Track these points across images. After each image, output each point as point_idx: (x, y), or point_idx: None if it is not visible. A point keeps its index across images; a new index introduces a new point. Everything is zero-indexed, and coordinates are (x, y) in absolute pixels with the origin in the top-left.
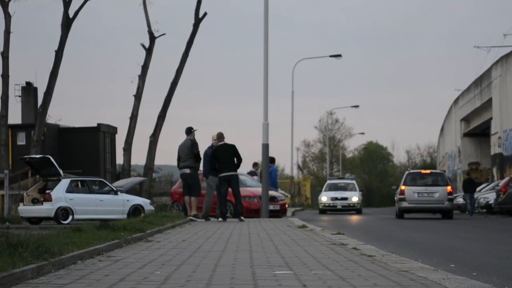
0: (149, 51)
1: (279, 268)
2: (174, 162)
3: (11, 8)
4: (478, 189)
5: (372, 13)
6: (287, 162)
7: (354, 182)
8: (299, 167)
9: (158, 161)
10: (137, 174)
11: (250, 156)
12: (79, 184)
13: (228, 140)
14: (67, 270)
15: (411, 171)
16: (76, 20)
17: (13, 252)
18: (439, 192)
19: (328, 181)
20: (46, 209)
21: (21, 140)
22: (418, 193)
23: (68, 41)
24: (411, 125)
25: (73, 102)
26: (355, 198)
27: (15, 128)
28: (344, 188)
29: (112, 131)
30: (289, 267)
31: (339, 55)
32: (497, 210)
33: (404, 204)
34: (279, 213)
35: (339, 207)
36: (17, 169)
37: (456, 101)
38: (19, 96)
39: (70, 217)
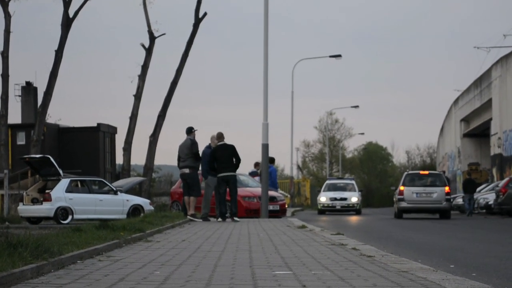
0: (149, 51)
1: (279, 269)
2: (173, 162)
3: (11, 8)
4: (477, 189)
5: (372, 13)
6: (286, 162)
7: (353, 182)
8: (298, 167)
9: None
10: (136, 174)
11: (250, 156)
12: (78, 184)
13: (227, 140)
14: (66, 270)
15: (410, 172)
16: (76, 20)
17: (13, 252)
18: (437, 193)
19: (327, 181)
20: (45, 209)
21: (21, 139)
22: (416, 193)
23: (68, 41)
24: (411, 126)
25: (73, 102)
26: (354, 198)
27: (15, 127)
28: (343, 188)
29: (112, 131)
30: (288, 267)
31: (339, 56)
32: (497, 211)
33: (403, 204)
34: (278, 213)
35: (338, 207)
36: (16, 169)
37: (456, 101)
38: (19, 95)
39: (70, 217)
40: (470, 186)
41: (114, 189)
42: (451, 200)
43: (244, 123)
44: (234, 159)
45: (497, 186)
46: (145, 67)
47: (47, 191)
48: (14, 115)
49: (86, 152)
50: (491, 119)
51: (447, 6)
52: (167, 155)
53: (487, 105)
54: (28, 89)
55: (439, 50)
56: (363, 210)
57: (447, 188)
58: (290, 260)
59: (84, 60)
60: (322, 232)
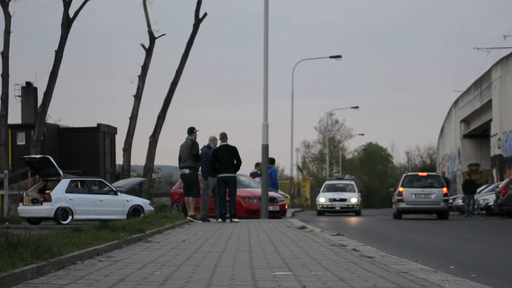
0: (149, 51)
1: (279, 269)
2: (173, 162)
3: (11, 8)
4: (477, 190)
5: (371, 14)
6: (286, 163)
7: (353, 183)
8: (298, 168)
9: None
10: (136, 174)
11: (250, 157)
12: (78, 184)
13: (227, 140)
14: (66, 270)
15: (409, 173)
16: (76, 20)
17: (13, 252)
18: (435, 194)
19: (327, 182)
20: (45, 209)
21: (21, 140)
22: (415, 194)
23: (68, 41)
24: (411, 126)
25: (73, 102)
26: (354, 199)
27: (15, 128)
28: (342, 189)
29: (112, 131)
30: (288, 268)
31: (339, 56)
32: (497, 212)
33: (402, 205)
34: (278, 214)
35: (337, 208)
36: (16, 169)
37: (456, 102)
38: (19, 96)
39: (70, 217)
40: (470, 187)
41: (114, 189)
42: (450, 201)
43: (244, 124)
44: (235, 161)
45: (497, 187)
46: (145, 67)
47: (47, 191)
48: (14, 115)
49: (86, 153)
50: (491, 120)
51: (447, 7)
52: (167, 156)
53: (487, 106)
54: (28, 90)
55: (439, 50)
56: (363, 211)
57: (445, 189)
58: (290, 261)
59: (84, 60)
60: (322, 233)
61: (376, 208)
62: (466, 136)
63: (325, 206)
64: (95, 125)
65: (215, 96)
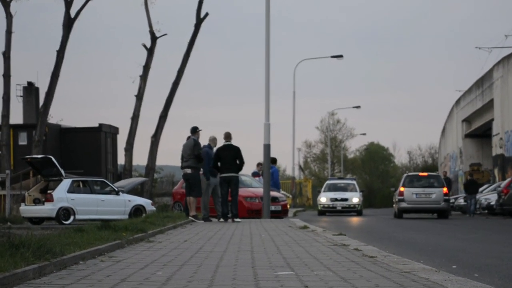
0: (150, 51)
1: (281, 269)
2: (175, 162)
3: (12, 8)
4: (479, 190)
5: (373, 13)
6: (288, 163)
7: (354, 182)
8: (300, 167)
9: (160, 161)
10: (138, 174)
11: (251, 156)
12: (80, 184)
13: (231, 140)
14: (68, 270)
15: (409, 173)
16: (77, 20)
17: (15, 252)
18: (435, 193)
19: (328, 182)
20: (47, 209)
21: (23, 140)
22: (416, 194)
23: (70, 41)
24: (413, 126)
25: (74, 102)
26: (355, 199)
27: (17, 128)
28: (344, 188)
29: (113, 131)
30: (290, 268)
31: (341, 56)
32: (499, 211)
33: (403, 205)
34: (280, 214)
35: (338, 208)
36: (18, 169)
37: (457, 102)
38: (21, 96)
39: (72, 217)
40: (471, 187)
41: (116, 189)
42: (452, 200)
43: (246, 124)
44: (237, 161)
45: (499, 186)
46: (146, 67)
47: (49, 191)
48: (16, 116)
49: (88, 153)
50: (492, 119)
51: (448, 6)
52: (169, 156)
53: (489, 105)
54: (30, 90)
55: (441, 50)
56: (364, 211)
57: (445, 189)
58: (292, 261)
59: (85, 60)
60: (324, 232)
61: (378, 207)
62: (467, 135)
63: (326, 206)
64: (97, 125)
65: (216, 96)
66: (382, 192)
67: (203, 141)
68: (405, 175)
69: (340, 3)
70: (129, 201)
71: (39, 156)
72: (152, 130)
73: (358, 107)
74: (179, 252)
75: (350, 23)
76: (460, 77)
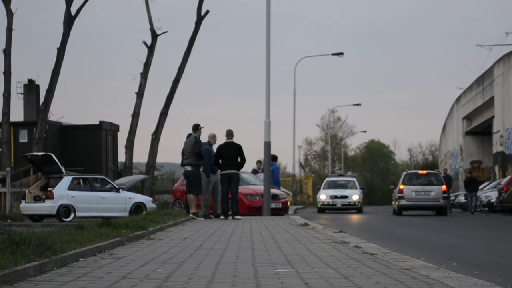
0: (151, 48)
1: (281, 266)
2: (176, 160)
3: (13, 6)
4: (480, 187)
5: (374, 11)
6: (289, 160)
7: (354, 179)
8: (301, 165)
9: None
10: (139, 171)
11: (252, 154)
12: (81, 182)
13: (233, 138)
14: (69, 267)
15: (409, 171)
16: (78, 17)
17: (15, 250)
18: (435, 191)
19: (327, 179)
20: (48, 206)
21: (23, 137)
22: (415, 191)
23: (70, 38)
24: (413, 124)
25: (75, 100)
26: (355, 196)
27: (17, 125)
28: (344, 186)
29: (114, 128)
30: (291, 265)
31: (341, 53)
32: (499, 209)
33: (403, 202)
34: (281, 211)
35: (338, 205)
36: (19, 167)
37: (458, 99)
38: (21, 93)
39: (72, 215)
40: (472, 184)
41: (116, 187)
42: (452, 198)
43: (246, 121)
44: (239, 158)
45: (499, 184)
46: (147, 65)
47: (49, 188)
48: (16, 113)
49: (88, 150)
50: (493, 117)
51: (449, 4)
52: (169, 153)
53: (489, 103)
54: (30, 87)
55: (441, 48)
56: (365, 208)
57: (444, 187)
58: (293, 258)
59: (86, 58)
60: (325, 230)
61: (378, 205)
62: (468, 133)
63: (326, 203)
64: (97, 122)
65: (217, 94)
66: (383, 189)
67: (203, 138)
68: (404, 173)
69: (341, 1)
70: (130, 198)
71: (40, 153)
72: (152, 128)
73: (358, 104)
74: (180, 249)
75: (352, 20)
76: (460, 75)
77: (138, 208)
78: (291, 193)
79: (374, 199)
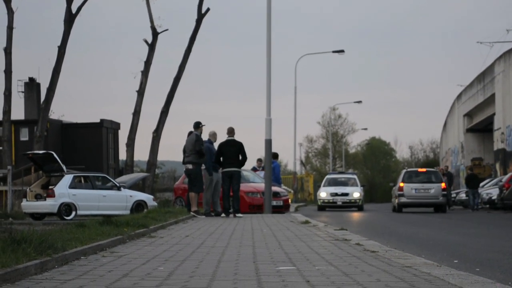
0: (152, 47)
1: (283, 264)
2: (177, 157)
3: (13, 4)
4: (481, 184)
5: (375, 8)
6: (290, 158)
7: (355, 177)
8: (302, 162)
9: (161, 156)
10: (140, 169)
11: (253, 151)
12: (82, 180)
13: (234, 135)
14: (70, 265)
15: (408, 169)
16: (78, 16)
17: (17, 248)
18: (434, 189)
19: (328, 176)
20: (49, 204)
21: (24, 136)
22: (415, 189)
23: (71, 37)
24: (414, 121)
25: (76, 98)
26: (356, 194)
27: (18, 124)
28: (344, 183)
29: (115, 127)
30: (292, 262)
31: (342, 51)
32: (500, 206)
33: (403, 199)
34: (282, 209)
35: (339, 203)
36: (20, 165)
37: (459, 96)
38: (22, 92)
39: (73, 213)
40: (473, 181)
41: (118, 185)
42: (453, 195)
43: (247, 119)
44: (240, 156)
45: (500, 181)
46: (148, 63)
47: (50, 187)
48: (17, 111)
49: (89, 148)
50: (494, 114)
51: (451, 1)
52: (170, 151)
53: (490, 100)
54: (31, 85)
55: (442, 45)
56: (366, 206)
57: (443, 184)
58: (294, 256)
59: (87, 56)
60: (326, 227)
61: (379, 202)
62: (469, 130)
63: (326, 201)
64: (98, 120)
65: (218, 91)
66: (384, 187)
67: (204, 136)
68: (404, 171)
69: None
70: (131, 196)
71: (41, 151)
72: (153, 126)
73: (359, 102)
74: (181, 247)
75: (353, 18)
76: (461, 72)
77: (139, 206)
78: (292, 191)
79: (375, 197)
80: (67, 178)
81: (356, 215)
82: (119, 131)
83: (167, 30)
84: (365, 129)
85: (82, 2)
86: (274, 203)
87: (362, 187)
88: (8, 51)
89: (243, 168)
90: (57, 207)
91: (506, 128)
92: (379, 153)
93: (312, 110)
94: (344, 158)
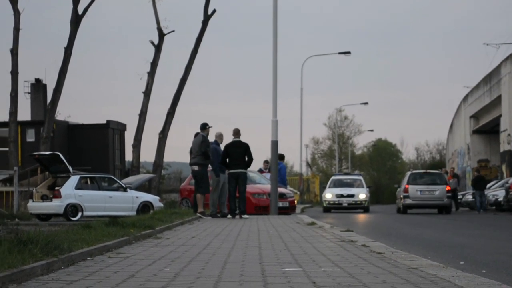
0: (158, 48)
1: (289, 265)
2: (183, 159)
3: (20, 5)
4: (487, 186)
5: (381, 9)
6: (296, 159)
7: (361, 178)
8: (308, 164)
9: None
10: (146, 171)
11: (259, 153)
12: (88, 181)
13: (240, 137)
14: (76, 266)
15: (414, 171)
16: (85, 17)
17: (23, 249)
18: (439, 190)
19: (333, 177)
20: (55, 205)
21: (31, 137)
22: (420, 191)
23: (77, 38)
24: (420, 122)
25: (82, 99)
26: (362, 195)
27: (25, 124)
28: (350, 184)
29: (121, 128)
30: (298, 264)
31: (348, 52)
32: (506, 207)
33: (408, 201)
34: (288, 210)
35: (345, 204)
36: (26, 166)
37: (465, 98)
38: (28, 93)
39: (80, 214)
40: (479, 183)
41: (124, 186)
42: (459, 197)
43: (253, 120)
44: (246, 157)
45: (506, 182)
46: (154, 64)
47: (56, 188)
48: (24, 112)
49: (96, 149)
50: (500, 115)
51: (456, 2)
52: (177, 152)
53: (497, 101)
54: (38, 86)
55: (449, 46)
56: (372, 207)
57: (448, 186)
58: (300, 257)
59: (93, 57)
60: (332, 229)
61: (385, 204)
62: (475, 132)
63: (331, 202)
64: (104, 121)
65: (224, 92)
66: (390, 188)
67: (210, 137)
68: (409, 172)
69: None
70: (137, 197)
71: (47, 152)
72: (159, 127)
73: (365, 103)
74: (187, 248)
75: (360, 19)
76: (468, 73)
77: (145, 207)
78: (298, 192)
79: (381, 198)
80: (73, 179)
81: (362, 217)
82: (125, 132)
83: (173, 31)
84: (372, 130)
85: (88, 3)
86: (280, 204)
87: (368, 189)
88: (14, 52)
89: (249, 169)
90: (63, 208)
91: None
92: (385, 154)
93: (318, 112)
94: (350, 160)
